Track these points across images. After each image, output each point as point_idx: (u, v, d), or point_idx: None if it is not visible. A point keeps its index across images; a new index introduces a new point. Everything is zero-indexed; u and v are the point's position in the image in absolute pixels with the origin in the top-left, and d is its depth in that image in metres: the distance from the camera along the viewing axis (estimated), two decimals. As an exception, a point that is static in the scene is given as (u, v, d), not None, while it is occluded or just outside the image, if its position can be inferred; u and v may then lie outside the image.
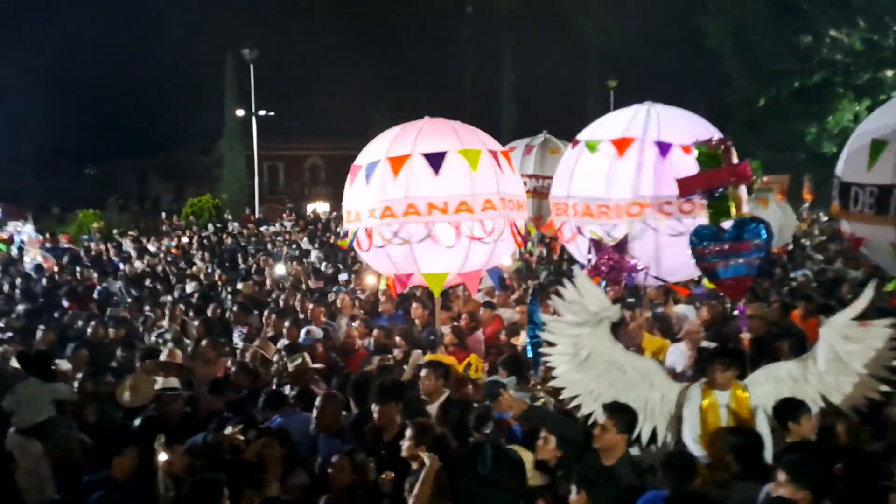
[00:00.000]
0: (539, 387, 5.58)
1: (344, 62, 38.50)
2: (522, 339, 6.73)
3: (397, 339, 7.54)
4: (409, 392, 5.55)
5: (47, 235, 20.62)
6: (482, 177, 7.21)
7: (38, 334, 8.52)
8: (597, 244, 7.24)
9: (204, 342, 7.77)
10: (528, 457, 4.57)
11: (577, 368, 5.07)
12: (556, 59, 34.69)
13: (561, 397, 5.17)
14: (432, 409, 5.49)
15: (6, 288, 12.32)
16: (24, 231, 21.34)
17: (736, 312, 6.52)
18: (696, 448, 4.72)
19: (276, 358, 7.14)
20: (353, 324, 8.48)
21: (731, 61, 27.94)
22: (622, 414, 4.57)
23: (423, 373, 5.82)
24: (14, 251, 16.60)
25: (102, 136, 38.05)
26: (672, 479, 4.17)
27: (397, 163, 7.13)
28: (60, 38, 34.51)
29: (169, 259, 15.01)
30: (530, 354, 5.83)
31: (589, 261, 7.24)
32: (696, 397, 4.84)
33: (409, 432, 4.47)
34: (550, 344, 5.17)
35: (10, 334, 8.91)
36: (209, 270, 13.46)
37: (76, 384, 6.61)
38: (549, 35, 35.41)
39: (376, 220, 7.17)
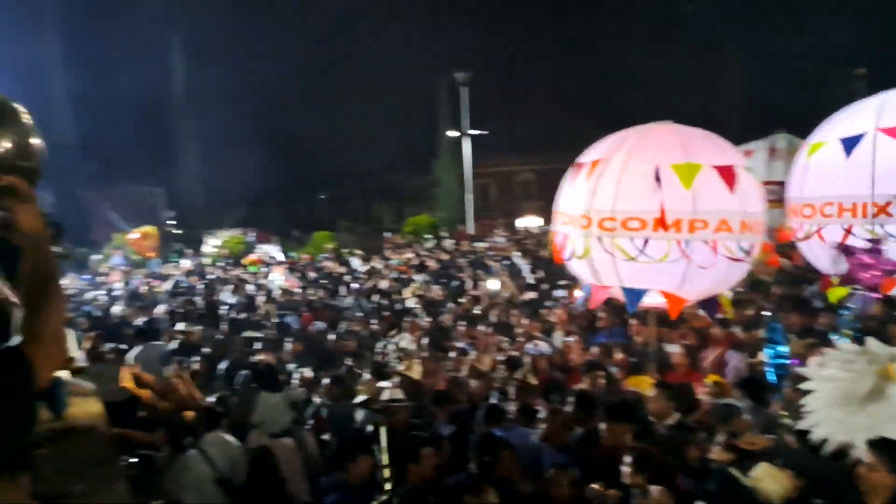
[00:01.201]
0: (783, 412, 5.04)
1: (552, 76, 38.65)
2: (761, 358, 6.15)
3: (618, 356, 7.26)
4: (640, 412, 5.30)
5: (291, 257, 23.06)
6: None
7: (286, 345, 9.45)
8: (846, 249, 6.45)
9: (427, 355, 8.10)
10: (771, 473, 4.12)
11: (833, 407, 4.51)
12: (789, 49, 31.37)
13: (812, 437, 4.61)
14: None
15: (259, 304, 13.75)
16: (271, 252, 24.05)
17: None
18: None
19: (495, 372, 7.24)
20: (570, 339, 8.34)
21: None
22: (892, 451, 3.94)
23: (653, 393, 5.56)
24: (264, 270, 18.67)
25: (332, 164, 41.65)
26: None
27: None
28: (287, 77, 38.46)
29: (393, 276, 15.93)
30: (771, 376, 5.32)
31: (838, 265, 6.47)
32: None
33: (629, 458, 4.28)
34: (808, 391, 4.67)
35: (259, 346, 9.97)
36: (427, 286, 14.02)
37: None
38: (780, 26, 32.30)
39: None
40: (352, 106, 36.66)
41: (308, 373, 7.83)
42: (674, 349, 7.10)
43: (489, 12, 41.02)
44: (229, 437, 5.78)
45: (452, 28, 38.81)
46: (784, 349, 5.24)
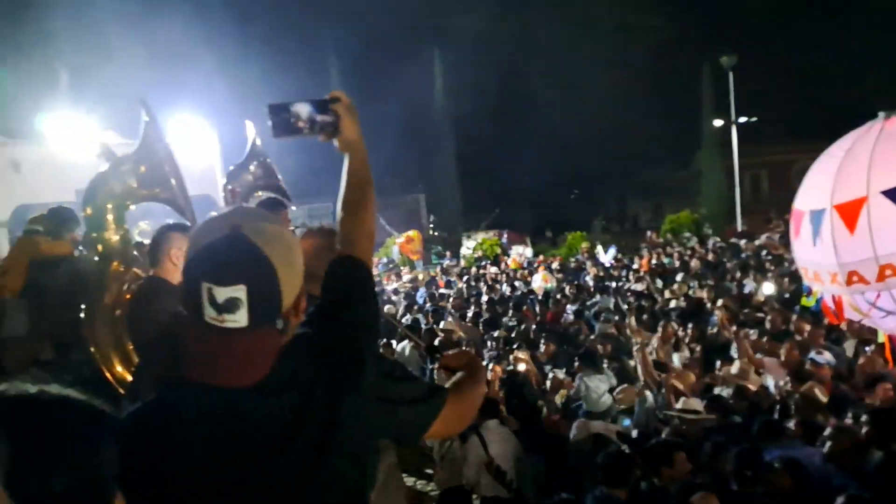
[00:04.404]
0: None
1: (831, 50, 34.25)
2: None
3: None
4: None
5: (541, 257, 23.18)
6: None
7: (541, 347, 9.43)
8: None
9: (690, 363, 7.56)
10: None
11: None
12: None
13: None
14: None
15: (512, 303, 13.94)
16: (525, 253, 24.45)
17: None
18: None
19: (772, 385, 6.52)
20: (867, 349, 7.17)
21: None
22: None
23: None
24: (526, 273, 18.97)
25: (585, 162, 41.27)
26: None
27: (850, 211, 4.69)
28: (538, 73, 38.76)
29: (650, 276, 15.19)
30: None
31: None
32: None
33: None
34: None
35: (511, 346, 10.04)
36: (691, 287, 13.13)
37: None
38: None
39: (842, 287, 4.97)
40: (604, 98, 35.97)
41: (560, 374, 7.71)
42: None
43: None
44: (505, 427, 5.96)
45: (714, 8, 36.27)
46: None
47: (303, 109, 1.86)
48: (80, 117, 14.84)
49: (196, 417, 1.49)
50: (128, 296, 3.53)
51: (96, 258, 3.60)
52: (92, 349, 3.42)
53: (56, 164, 14.71)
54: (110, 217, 3.56)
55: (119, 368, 3.35)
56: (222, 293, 1.43)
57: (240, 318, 1.45)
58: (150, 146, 3.50)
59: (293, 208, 5.27)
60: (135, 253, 3.69)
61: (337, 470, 1.57)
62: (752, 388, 6.68)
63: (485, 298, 14.55)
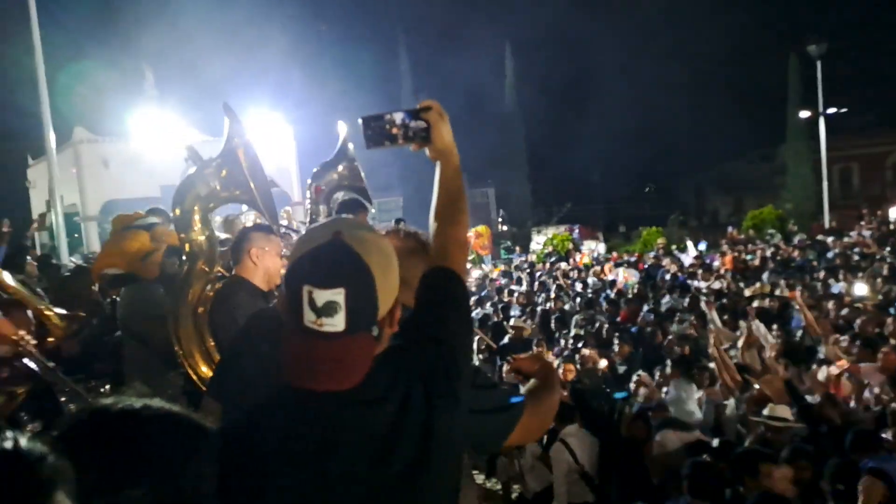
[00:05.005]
0: None
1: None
2: None
3: None
4: None
5: (614, 254, 22.65)
6: None
7: (615, 347, 9.21)
8: None
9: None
10: None
11: None
12: None
13: None
14: None
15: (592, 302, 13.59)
16: (598, 249, 23.92)
17: None
18: None
19: (867, 393, 6.14)
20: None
21: None
22: None
23: None
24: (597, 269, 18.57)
25: (661, 155, 40.18)
26: None
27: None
28: (613, 65, 37.89)
29: (731, 274, 14.60)
30: None
31: None
32: None
33: None
34: None
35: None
36: (776, 287, 12.54)
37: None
38: None
39: None
40: (681, 89, 34.91)
41: (646, 376, 7.45)
42: None
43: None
44: (584, 430, 5.87)
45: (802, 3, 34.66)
46: None
47: (396, 117, 1.88)
48: (164, 115, 15.46)
49: (293, 423, 1.52)
50: (210, 294, 3.60)
51: (184, 257, 3.72)
52: (176, 347, 3.52)
53: (142, 160, 15.44)
54: (196, 218, 3.67)
55: (202, 367, 3.44)
56: (322, 296, 1.46)
57: (337, 323, 1.47)
58: (232, 150, 3.57)
59: (372, 210, 5.28)
60: (219, 252, 3.77)
61: (433, 481, 1.57)
62: (844, 394, 6.33)
63: (554, 295, 14.28)
